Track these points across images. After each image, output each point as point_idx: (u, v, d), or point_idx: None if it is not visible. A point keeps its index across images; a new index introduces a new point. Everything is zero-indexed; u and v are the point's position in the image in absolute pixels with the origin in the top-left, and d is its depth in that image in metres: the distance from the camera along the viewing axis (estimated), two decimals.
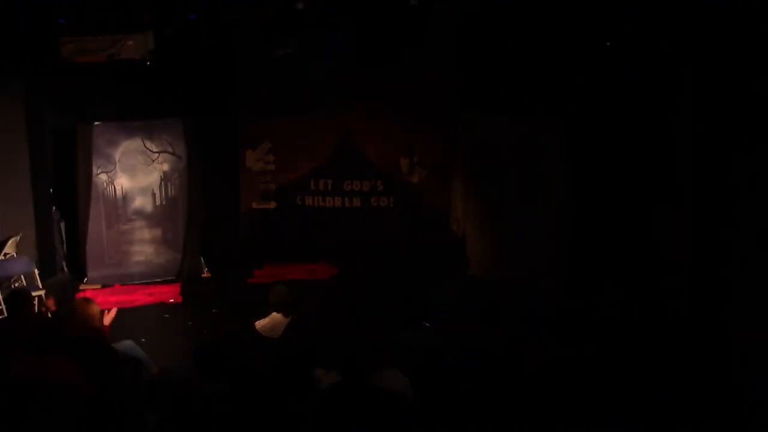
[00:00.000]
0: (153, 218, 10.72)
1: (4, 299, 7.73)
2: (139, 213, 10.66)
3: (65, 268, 10.54)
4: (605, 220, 8.63)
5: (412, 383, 5.22)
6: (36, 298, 8.17)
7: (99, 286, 10.09)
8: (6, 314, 7.61)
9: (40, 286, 8.82)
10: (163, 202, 10.74)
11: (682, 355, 6.84)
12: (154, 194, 10.70)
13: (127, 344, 6.47)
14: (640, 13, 7.54)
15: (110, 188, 10.44)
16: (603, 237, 8.58)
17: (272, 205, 11.47)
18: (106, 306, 8.84)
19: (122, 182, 10.50)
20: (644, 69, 7.95)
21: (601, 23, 7.99)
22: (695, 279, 7.22)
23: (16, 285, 9.04)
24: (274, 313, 6.52)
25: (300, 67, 9.92)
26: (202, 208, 10.68)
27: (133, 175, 10.55)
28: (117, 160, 10.42)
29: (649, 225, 8.08)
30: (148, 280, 10.34)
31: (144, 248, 10.67)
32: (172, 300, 9.54)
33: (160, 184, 10.70)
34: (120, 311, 8.88)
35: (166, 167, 10.68)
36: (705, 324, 6.95)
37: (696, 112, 7.17)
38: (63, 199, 10.49)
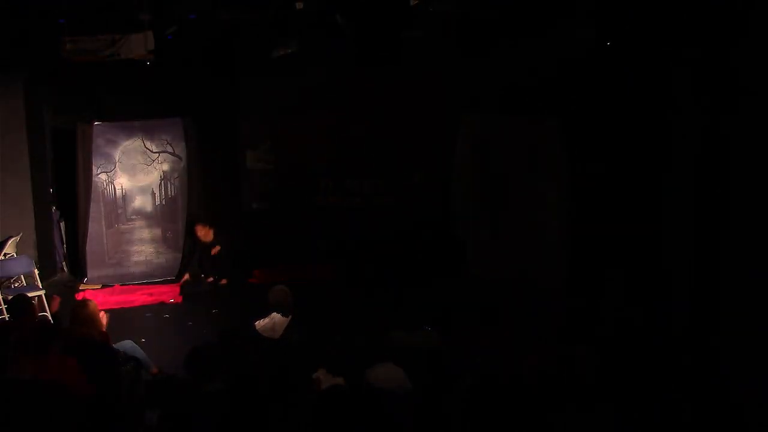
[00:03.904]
0: (153, 218, 10.72)
1: (6, 303, 7.73)
2: (139, 213, 10.66)
3: (65, 268, 10.54)
4: (605, 220, 8.62)
5: (409, 379, 5.24)
6: (36, 299, 8.19)
7: (99, 286, 10.09)
8: (7, 317, 7.63)
9: (40, 286, 8.82)
10: (163, 202, 10.74)
11: (681, 356, 6.84)
12: (154, 194, 10.70)
13: (127, 344, 6.48)
14: (640, 13, 7.53)
15: (110, 188, 10.44)
16: (603, 237, 8.57)
17: (272, 205, 11.46)
18: (106, 306, 8.92)
19: (122, 182, 10.50)
20: (644, 69, 7.95)
21: (601, 23, 7.98)
22: (696, 279, 7.21)
23: (16, 285, 9.05)
24: (274, 313, 6.54)
25: (300, 67, 9.90)
26: (202, 208, 10.67)
27: (133, 175, 10.55)
28: (117, 160, 10.42)
29: (649, 225, 8.07)
30: (148, 280, 10.35)
31: (144, 248, 10.67)
32: (172, 300, 9.54)
33: (160, 184, 10.70)
34: (120, 311, 8.96)
35: (166, 167, 10.68)
36: (705, 324, 6.94)
37: (696, 113, 7.17)
38: (63, 199, 10.49)
